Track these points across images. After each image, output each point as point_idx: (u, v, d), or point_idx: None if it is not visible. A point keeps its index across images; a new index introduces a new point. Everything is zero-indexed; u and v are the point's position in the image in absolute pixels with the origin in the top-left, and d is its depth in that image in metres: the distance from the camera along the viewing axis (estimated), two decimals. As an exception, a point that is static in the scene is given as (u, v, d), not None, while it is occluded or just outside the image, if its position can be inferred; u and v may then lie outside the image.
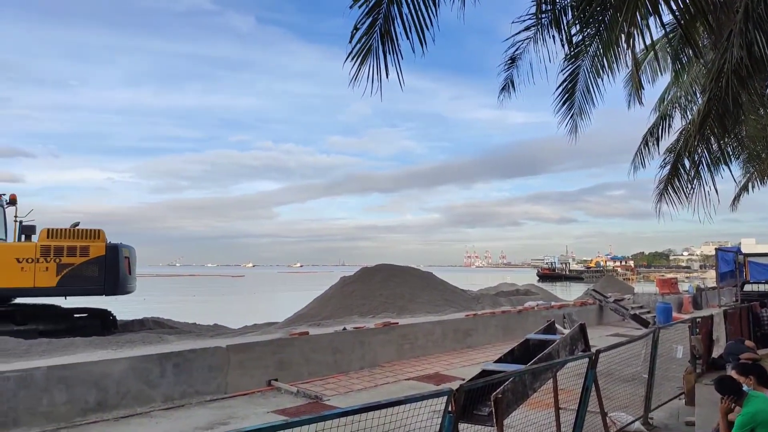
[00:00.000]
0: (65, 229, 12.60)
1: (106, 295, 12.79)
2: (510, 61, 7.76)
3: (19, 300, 12.65)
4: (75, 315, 12.96)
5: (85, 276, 12.30)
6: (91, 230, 12.79)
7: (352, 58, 4.75)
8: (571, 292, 38.40)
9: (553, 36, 6.28)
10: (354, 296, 15.46)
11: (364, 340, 10.34)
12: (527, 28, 7.20)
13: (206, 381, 7.95)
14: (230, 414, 7.25)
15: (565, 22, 6.09)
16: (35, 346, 8.20)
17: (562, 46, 6.24)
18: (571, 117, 8.42)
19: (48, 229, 12.53)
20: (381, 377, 9.48)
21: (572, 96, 8.22)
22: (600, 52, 7.05)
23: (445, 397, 3.43)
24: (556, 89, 8.02)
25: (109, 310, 13.51)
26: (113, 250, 12.75)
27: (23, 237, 12.55)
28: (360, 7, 4.62)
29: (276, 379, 8.70)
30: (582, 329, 6.12)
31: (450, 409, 3.46)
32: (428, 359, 11.03)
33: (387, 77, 4.72)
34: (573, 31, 6.36)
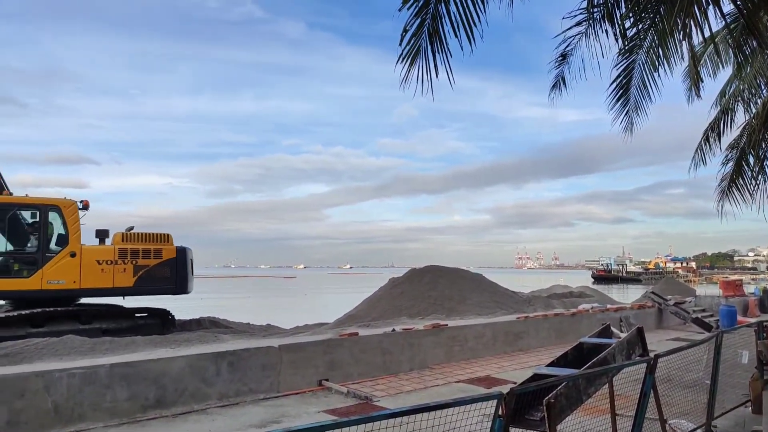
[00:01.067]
0: (137, 233, 13.40)
1: (175, 294, 13.69)
2: (560, 58, 7.58)
3: (84, 300, 13.32)
4: (136, 314, 13.55)
5: (158, 276, 13.29)
6: (160, 234, 13.72)
7: (402, 60, 4.76)
8: (628, 295, 37.15)
9: (606, 30, 6.09)
10: (403, 297, 15.46)
11: (414, 342, 10.32)
12: (578, 24, 7.01)
13: (259, 380, 8.13)
14: (282, 413, 7.39)
15: (618, 15, 5.91)
16: (99, 345, 8.59)
17: (616, 40, 6.04)
18: (626, 113, 8.15)
19: (122, 233, 13.30)
20: (430, 379, 9.44)
21: (627, 92, 7.95)
22: (656, 45, 6.79)
23: (495, 401, 3.38)
24: (610, 85, 7.78)
25: (168, 309, 14.05)
26: (182, 252, 13.68)
27: (98, 240, 13.35)
28: (409, 8, 4.63)
29: (327, 379, 8.81)
30: (640, 333, 5.91)
31: (500, 412, 3.41)
32: (478, 362, 10.90)
33: (437, 77, 4.71)
34: (627, 24, 6.15)
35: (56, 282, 12.31)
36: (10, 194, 13.05)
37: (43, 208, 12.64)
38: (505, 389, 3.56)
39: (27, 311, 11.96)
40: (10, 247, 12.57)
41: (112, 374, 6.91)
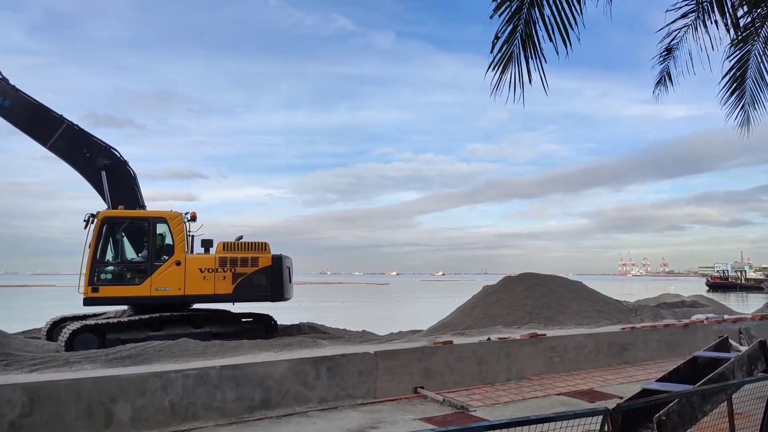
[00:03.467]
0: (237, 242, 14.14)
1: (272, 301, 14.22)
2: (665, 52, 7.15)
3: (196, 306, 14.29)
4: (242, 319, 14.33)
5: (255, 284, 13.82)
6: (258, 243, 14.31)
7: (494, 67, 4.69)
8: (748, 304, 34.08)
9: (716, 21, 5.68)
10: (497, 306, 15.13)
11: (510, 351, 10.07)
12: (684, 15, 6.60)
13: (357, 385, 8.30)
14: (379, 418, 7.49)
15: (729, 4, 5.49)
16: (210, 347, 9.16)
17: (727, 31, 5.63)
18: (741, 108, 7.52)
19: (223, 243, 14.09)
20: (529, 390, 9.17)
21: (742, 85, 7.34)
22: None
23: (601, 417, 3.24)
24: (722, 78, 7.22)
25: (270, 315, 14.73)
26: (278, 260, 14.16)
27: (203, 249, 14.29)
28: (500, 15, 4.56)
29: (422, 387, 8.81)
30: (762, 347, 5.41)
31: (606, 429, 3.26)
32: (580, 374, 10.44)
33: (530, 83, 4.60)
34: (739, 13, 5.70)
35: (163, 289, 13.30)
36: (144, 208, 14.32)
37: (152, 220, 13.75)
38: (610, 404, 3.40)
39: (147, 316, 13.03)
40: (125, 257, 13.79)
41: (222, 376, 7.33)
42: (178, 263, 13.46)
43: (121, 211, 13.87)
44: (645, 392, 4.66)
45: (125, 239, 13.93)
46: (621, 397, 7.93)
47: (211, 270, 13.62)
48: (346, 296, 66.02)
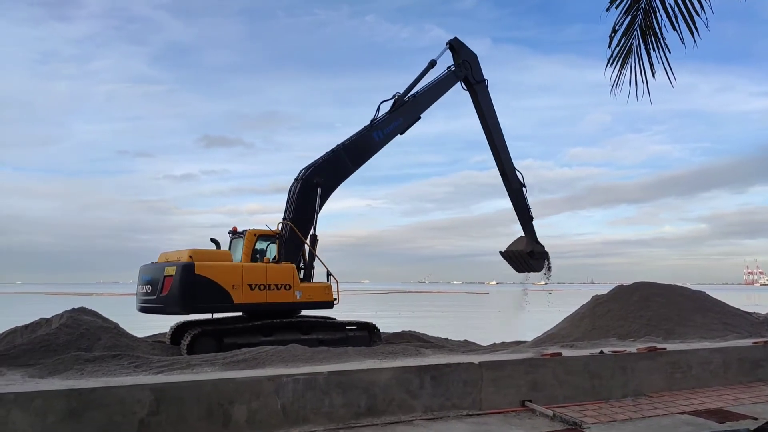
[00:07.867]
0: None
1: None
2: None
3: (303, 312, 14.81)
4: (347, 327, 14.65)
5: None
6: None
7: (612, 63, 4.46)
8: None
9: None
10: (609, 317, 14.32)
11: (626, 366, 9.45)
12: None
13: (461, 395, 8.15)
14: (486, 431, 7.30)
15: None
16: (317, 353, 9.41)
17: None
18: None
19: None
20: (648, 408, 8.54)
21: None
22: None
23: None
24: None
25: (373, 323, 14.95)
26: None
27: None
28: (617, 7, 4.32)
29: (529, 400, 8.50)
30: None
31: (751, 454, 2.93)
32: (706, 392, 9.59)
33: (654, 76, 4.33)
34: None
35: None
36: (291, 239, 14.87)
37: None
38: (745, 425, 3.06)
39: (259, 322, 13.70)
40: None
41: (329, 381, 7.49)
42: None
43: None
44: (792, 415, 4.16)
45: None
46: (755, 418, 7.19)
47: None
48: (446, 305, 65.52)
